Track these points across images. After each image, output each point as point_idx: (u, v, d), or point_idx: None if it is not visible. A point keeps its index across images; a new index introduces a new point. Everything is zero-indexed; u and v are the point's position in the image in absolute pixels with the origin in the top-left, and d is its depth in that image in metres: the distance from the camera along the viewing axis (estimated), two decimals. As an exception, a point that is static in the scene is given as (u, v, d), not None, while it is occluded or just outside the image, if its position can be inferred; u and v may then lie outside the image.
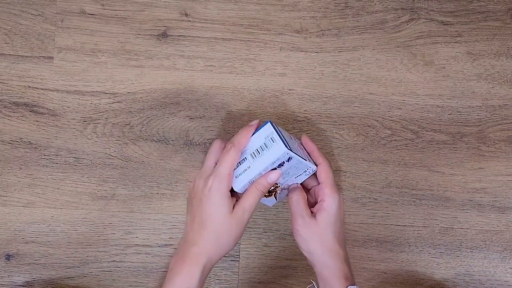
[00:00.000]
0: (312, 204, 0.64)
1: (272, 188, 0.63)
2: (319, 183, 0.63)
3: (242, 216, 0.60)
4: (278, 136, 0.60)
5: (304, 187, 0.66)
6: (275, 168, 0.60)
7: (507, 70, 0.72)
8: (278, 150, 0.59)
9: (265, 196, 0.63)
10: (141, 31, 0.71)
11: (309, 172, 0.63)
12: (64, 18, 0.70)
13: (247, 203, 0.60)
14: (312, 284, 0.64)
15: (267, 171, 0.60)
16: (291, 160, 0.61)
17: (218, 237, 0.60)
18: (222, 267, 0.71)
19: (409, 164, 0.72)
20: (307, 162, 0.62)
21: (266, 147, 0.60)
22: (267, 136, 0.61)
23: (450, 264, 0.72)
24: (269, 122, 0.61)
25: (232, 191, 0.61)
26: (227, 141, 0.62)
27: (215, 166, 0.61)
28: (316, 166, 0.63)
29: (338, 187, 0.71)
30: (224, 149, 0.61)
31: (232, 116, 0.71)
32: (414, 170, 0.72)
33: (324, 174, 0.63)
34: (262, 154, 0.60)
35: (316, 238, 0.61)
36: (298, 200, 0.62)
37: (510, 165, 0.72)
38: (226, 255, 0.70)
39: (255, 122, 0.62)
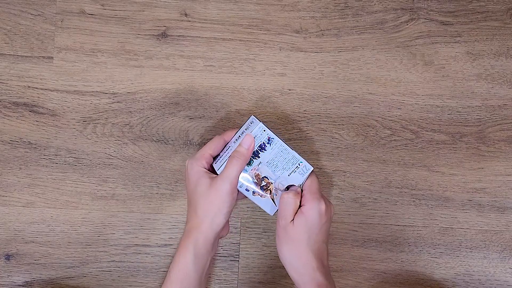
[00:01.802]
0: None
1: (264, 183, 0.62)
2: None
3: (220, 186, 0.59)
4: (258, 120, 0.62)
5: None
6: (258, 153, 0.62)
7: (506, 70, 0.72)
8: (255, 126, 0.61)
9: (259, 196, 0.63)
10: (141, 31, 0.71)
11: (302, 169, 0.62)
12: (64, 18, 0.70)
13: (225, 172, 0.60)
14: None
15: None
16: (273, 144, 0.62)
17: (203, 211, 0.60)
18: (222, 267, 0.71)
19: (408, 164, 0.72)
20: (294, 152, 0.62)
21: (246, 129, 0.62)
22: (248, 122, 0.63)
23: (449, 264, 0.72)
24: (252, 116, 0.63)
25: None
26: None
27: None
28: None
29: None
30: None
31: (232, 116, 0.71)
32: (414, 170, 0.72)
33: (309, 181, 0.63)
34: (242, 136, 0.62)
35: (290, 242, 0.60)
36: (287, 202, 0.61)
37: (510, 165, 0.72)
38: (226, 255, 0.71)
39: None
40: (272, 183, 0.63)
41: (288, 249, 0.61)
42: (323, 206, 0.61)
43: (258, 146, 0.61)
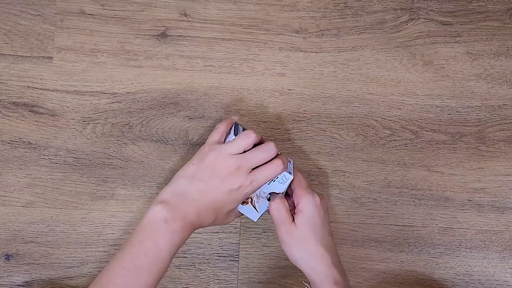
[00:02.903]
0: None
1: None
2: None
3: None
4: (233, 133, 0.62)
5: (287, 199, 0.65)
6: None
7: (506, 70, 0.72)
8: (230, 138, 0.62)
9: (241, 203, 0.63)
10: (140, 31, 0.71)
11: (282, 179, 0.62)
12: (64, 18, 0.70)
13: None
14: (306, 286, 0.64)
15: None
16: None
17: (215, 222, 0.61)
18: (222, 267, 0.71)
19: (408, 164, 0.72)
20: None
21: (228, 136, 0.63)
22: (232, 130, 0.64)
23: (449, 264, 0.72)
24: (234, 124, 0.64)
25: None
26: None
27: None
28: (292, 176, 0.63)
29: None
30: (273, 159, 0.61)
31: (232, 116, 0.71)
32: (414, 170, 0.72)
33: (296, 180, 0.63)
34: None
35: (299, 243, 0.60)
36: (277, 208, 0.61)
37: (510, 165, 0.72)
38: (226, 255, 0.71)
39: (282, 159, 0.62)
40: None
41: (299, 250, 0.61)
42: (317, 198, 0.62)
43: None
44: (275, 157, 0.61)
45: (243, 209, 0.64)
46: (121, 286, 0.55)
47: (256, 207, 0.64)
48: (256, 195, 0.63)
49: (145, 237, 0.57)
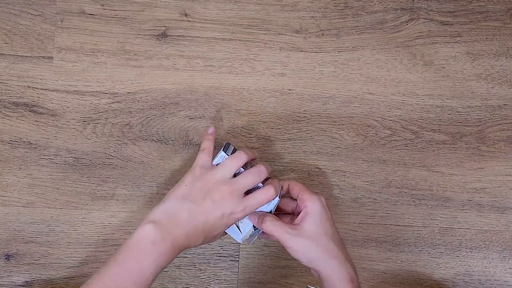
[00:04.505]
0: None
1: None
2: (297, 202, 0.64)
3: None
4: (222, 150, 0.62)
5: (287, 212, 0.66)
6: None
7: (506, 70, 0.72)
8: (220, 159, 0.62)
9: None
10: (140, 31, 0.71)
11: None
12: (64, 18, 0.70)
13: None
14: None
15: None
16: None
17: (202, 243, 0.61)
18: (222, 267, 0.71)
19: (408, 164, 0.72)
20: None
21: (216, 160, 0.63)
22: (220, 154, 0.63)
23: (449, 264, 0.72)
24: (225, 144, 0.64)
25: None
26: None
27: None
28: (279, 195, 0.63)
29: (339, 187, 0.71)
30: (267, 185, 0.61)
31: (232, 116, 0.71)
32: (414, 170, 0.72)
33: (296, 188, 0.63)
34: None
35: (311, 244, 0.60)
36: (272, 223, 0.61)
37: (510, 165, 0.72)
38: (226, 255, 0.71)
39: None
40: None
41: (312, 250, 0.60)
42: (322, 198, 0.62)
43: None
44: (268, 182, 0.62)
45: (227, 229, 0.63)
46: None
47: (240, 228, 0.63)
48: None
49: (131, 256, 0.57)
